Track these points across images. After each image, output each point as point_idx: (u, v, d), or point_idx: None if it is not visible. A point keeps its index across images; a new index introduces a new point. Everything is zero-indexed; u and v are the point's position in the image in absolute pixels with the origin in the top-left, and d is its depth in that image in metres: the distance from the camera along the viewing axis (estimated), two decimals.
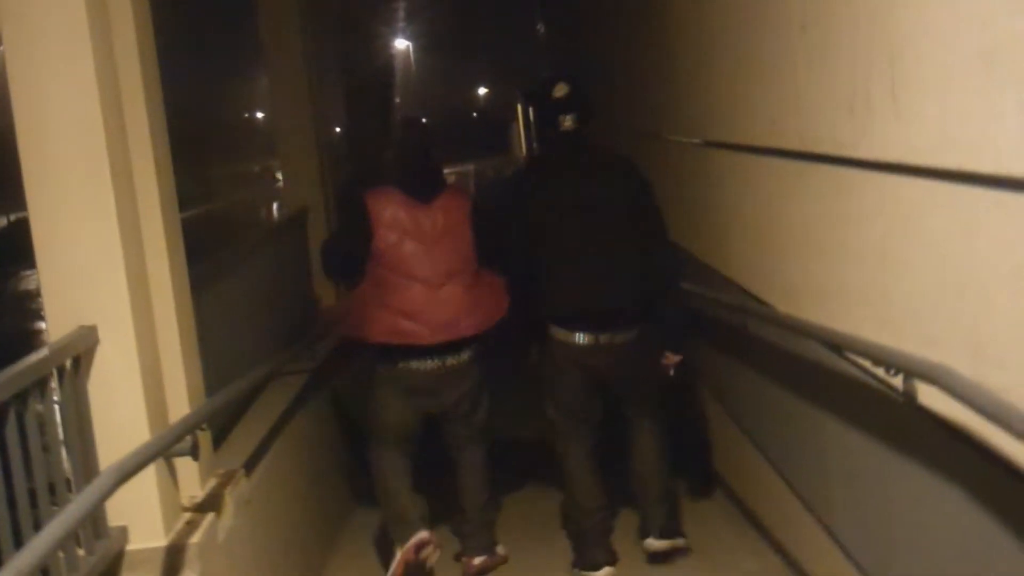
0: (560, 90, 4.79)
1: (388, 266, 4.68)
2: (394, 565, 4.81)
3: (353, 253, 4.77)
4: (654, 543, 4.94)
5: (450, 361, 4.77)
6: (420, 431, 4.98)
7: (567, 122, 4.75)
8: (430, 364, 4.75)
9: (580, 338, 4.73)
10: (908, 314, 3.07)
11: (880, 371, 3.15)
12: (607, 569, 4.88)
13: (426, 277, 4.68)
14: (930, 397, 2.87)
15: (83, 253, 3.34)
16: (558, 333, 4.76)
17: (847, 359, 3.57)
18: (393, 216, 4.69)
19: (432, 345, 4.68)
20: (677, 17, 5.85)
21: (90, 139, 3.32)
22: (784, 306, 4.20)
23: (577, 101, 4.80)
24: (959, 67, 2.58)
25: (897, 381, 3.07)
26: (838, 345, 3.57)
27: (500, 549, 5.16)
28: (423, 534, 4.78)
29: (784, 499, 4.56)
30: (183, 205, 4.08)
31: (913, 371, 2.91)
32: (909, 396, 3.03)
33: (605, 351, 4.74)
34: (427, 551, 4.78)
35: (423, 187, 4.78)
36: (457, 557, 5.14)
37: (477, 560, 5.05)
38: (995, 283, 2.55)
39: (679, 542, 4.96)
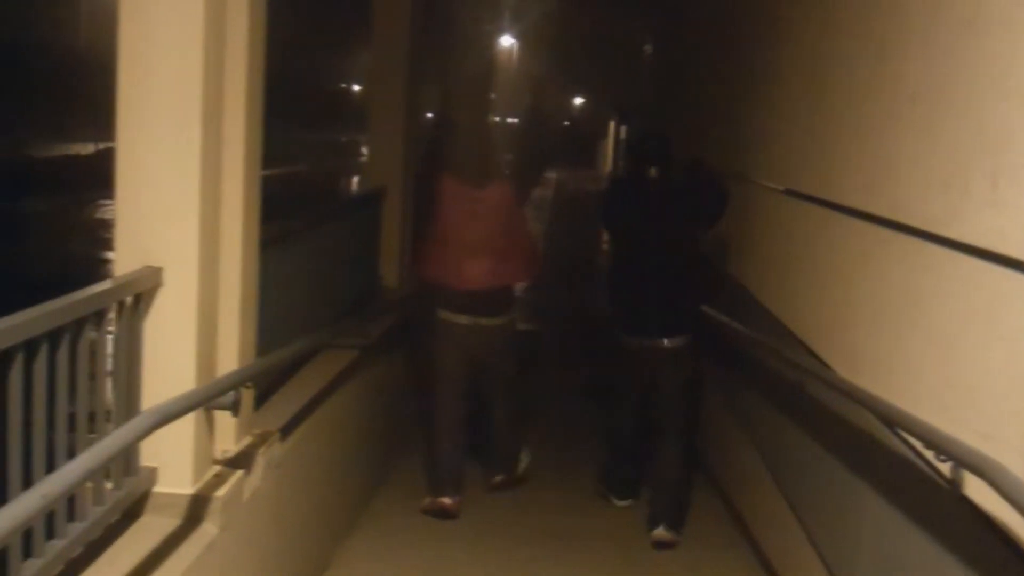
0: (647, 143, 6.18)
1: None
2: (424, 503, 6.06)
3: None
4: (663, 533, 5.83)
5: (483, 322, 5.97)
6: (468, 379, 6.13)
7: (652, 172, 5.94)
8: (464, 320, 5.98)
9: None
10: (968, 403, 3.02)
11: (930, 454, 3.09)
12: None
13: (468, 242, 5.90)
14: (977, 490, 2.81)
15: (161, 195, 3.36)
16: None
17: (898, 436, 3.51)
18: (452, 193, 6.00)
19: (469, 304, 5.92)
20: (785, 62, 5.79)
21: (187, 84, 3.34)
22: (845, 371, 4.13)
23: (662, 154, 5.97)
24: None
25: (946, 468, 3.01)
26: (890, 420, 3.51)
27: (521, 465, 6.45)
28: (446, 500, 5.99)
29: (812, 567, 4.49)
30: (266, 163, 4.11)
31: (963, 460, 2.84)
32: (955, 485, 2.97)
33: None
34: (446, 512, 5.94)
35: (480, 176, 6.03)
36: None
37: (498, 478, 6.37)
38: None
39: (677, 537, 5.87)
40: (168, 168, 3.36)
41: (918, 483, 3.30)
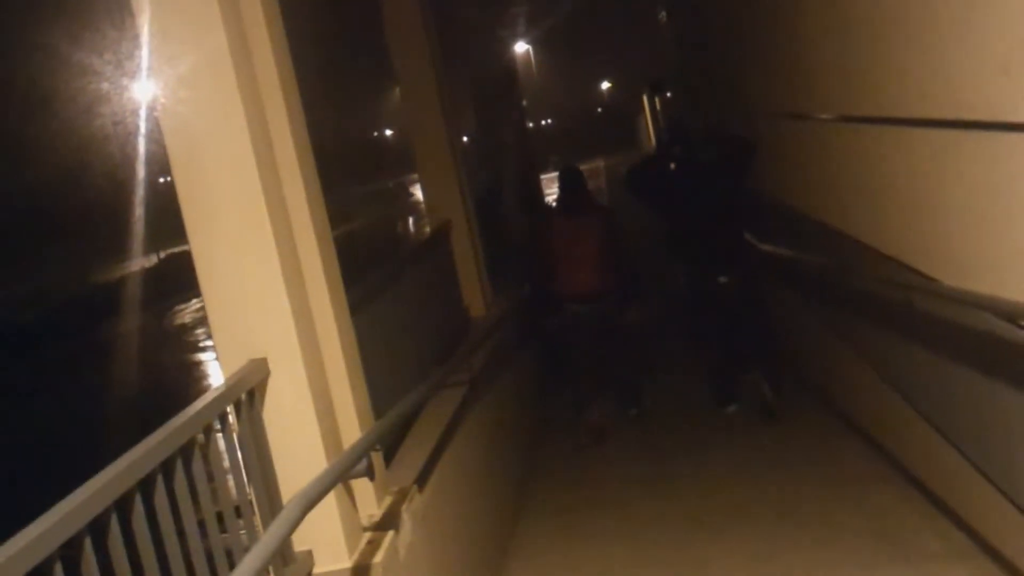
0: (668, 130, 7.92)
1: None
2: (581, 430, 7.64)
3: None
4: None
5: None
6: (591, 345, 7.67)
7: (676, 150, 7.39)
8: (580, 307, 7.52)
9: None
10: None
11: None
12: None
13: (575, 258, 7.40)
14: None
15: (247, 287, 3.41)
16: None
17: (1021, 327, 3.44)
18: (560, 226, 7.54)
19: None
20: None
21: (244, 175, 3.39)
22: (951, 279, 4.06)
23: (680, 134, 7.74)
24: None
25: None
26: (1012, 314, 3.44)
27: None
28: (591, 417, 7.70)
29: (968, 478, 4.42)
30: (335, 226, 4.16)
31: None
32: None
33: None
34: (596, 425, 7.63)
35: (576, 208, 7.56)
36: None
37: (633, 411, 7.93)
38: None
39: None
40: (247, 261, 3.41)
41: None
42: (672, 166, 7.36)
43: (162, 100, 3.39)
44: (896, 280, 4.70)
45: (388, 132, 54.30)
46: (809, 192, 6.57)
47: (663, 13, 16.02)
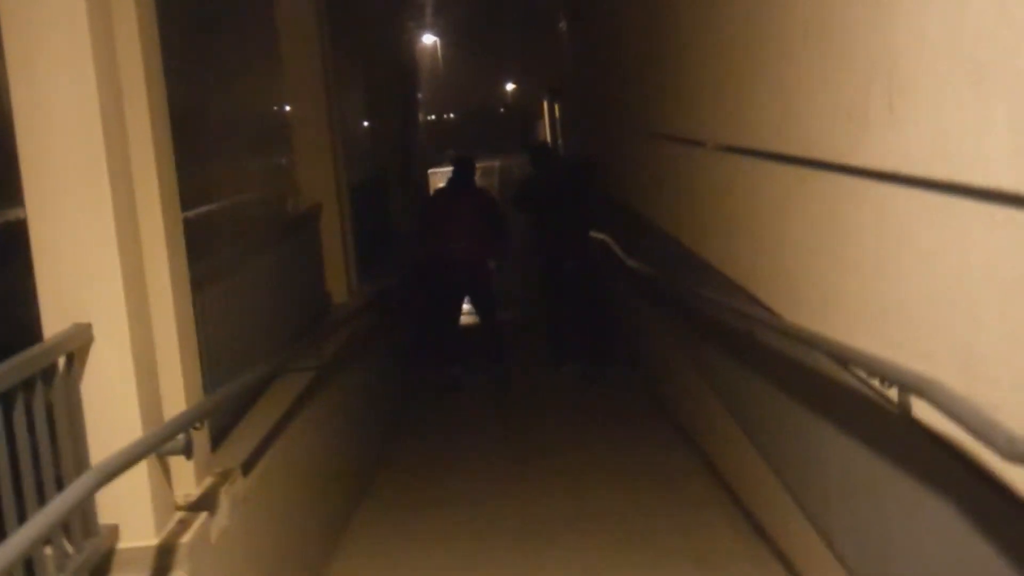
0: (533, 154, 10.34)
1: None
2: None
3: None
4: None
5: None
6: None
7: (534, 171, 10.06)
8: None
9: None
10: (903, 326, 3.04)
11: (876, 383, 3.12)
12: None
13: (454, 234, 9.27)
14: (924, 411, 2.83)
15: (79, 251, 3.32)
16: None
17: (847, 369, 3.54)
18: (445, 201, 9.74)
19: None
20: (689, 19, 5.81)
21: (88, 137, 3.30)
22: (790, 315, 4.16)
23: (543, 157, 10.34)
24: (953, 80, 2.55)
25: (893, 393, 3.04)
26: (836, 354, 3.53)
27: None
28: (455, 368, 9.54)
29: (785, 507, 4.53)
30: (195, 202, 4.07)
31: (907, 384, 2.87)
32: (904, 409, 3.00)
33: None
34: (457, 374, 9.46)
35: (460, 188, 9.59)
36: None
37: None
38: (985, 298, 2.52)
39: None
40: (82, 224, 3.32)
41: (871, 412, 3.33)
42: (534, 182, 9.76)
43: (8, 45, 3.29)
44: (740, 310, 4.79)
45: (288, 108, 53.50)
46: (675, 214, 6.68)
47: (563, 22, 16.12)
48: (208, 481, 3.89)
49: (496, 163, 35.55)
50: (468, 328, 10.18)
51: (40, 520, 2.43)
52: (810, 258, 3.85)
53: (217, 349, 4.50)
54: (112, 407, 3.36)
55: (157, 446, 3.26)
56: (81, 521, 3.17)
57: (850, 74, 3.21)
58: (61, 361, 3.20)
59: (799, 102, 3.77)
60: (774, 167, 4.17)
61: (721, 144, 5.12)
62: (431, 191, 15.13)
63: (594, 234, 9.67)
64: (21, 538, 2.32)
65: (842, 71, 3.30)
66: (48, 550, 2.98)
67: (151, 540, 3.40)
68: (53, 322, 3.33)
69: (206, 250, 4.82)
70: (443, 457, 7.43)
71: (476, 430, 8.17)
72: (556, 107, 28.89)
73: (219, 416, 4.37)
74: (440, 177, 16.61)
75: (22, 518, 2.83)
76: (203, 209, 5.58)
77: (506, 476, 6.81)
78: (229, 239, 5.98)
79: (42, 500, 2.96)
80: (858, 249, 3.31)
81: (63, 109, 3.30)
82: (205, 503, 3.73)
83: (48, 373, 3.11)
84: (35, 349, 3.09)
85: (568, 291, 9.48)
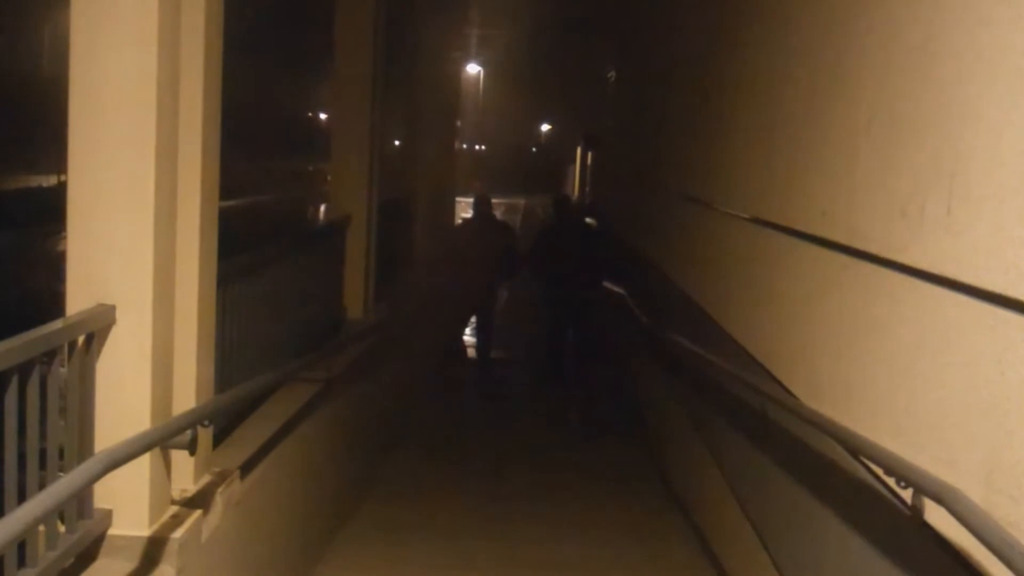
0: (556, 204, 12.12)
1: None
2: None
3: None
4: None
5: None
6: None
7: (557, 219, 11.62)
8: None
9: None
10: (928, 429, 3.01)
11: (891, 481, 3.08)
12: None
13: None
14: (937, 517, 2.80)
15: (114, 232, 3.32)
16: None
17: (861, 462, 3.50)
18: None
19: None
20: (743, 88, 5.81)
21: (141, 118, 3.30)
22: (807, 398, 4.12)
23: (565, 208, 11.92)
24: (1016, 191, 2.53)
25: (907, 495, 3.01)
26: (853, 447, 3.50)
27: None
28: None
29: None
30: (231, 194, 4.07)
31: (924, 488, 2.83)
32: (916, 512, 2.96)
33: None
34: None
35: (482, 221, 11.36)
36: None
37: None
38: (1019, 413, 2.49)
39: None
40: (121, 203, 3.32)
41: (880, 510, 3.29)
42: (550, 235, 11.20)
43: (76, 23, 3.30)
44: (755, 386, 4.76)
45: (324, 116, 53.83)
46: (702, 282, 6.65)
47: (612, 72, 16.18)
48: (205, 479, 3.87)
49: (522, 201, 35.69)
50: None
51: (44, 499, 2.41)
52: (839, 346, 3.82)
53: (231, 349, 4.48)
54: (124, 392, 3.35)
55: (165, 439, 3.24)
56: (76, 502, 3.15)
57: (910, 171, 3.20)
58: (80, 339, 3.19)
59: (850, 191, 3.75)
60: (814, 250, 4.15)
61: (761, 219, 5.10)
62: (458, 219, 16.13)
63: (610, 286, 10.49)
64: (24, 513, 2.30)
65: (902, 165, 3.28)
66: (40, 526, 2.95)
67: (143, 531, 3.38)
68: (78, 299, 3.32)
69: (232, 247, 4.82)
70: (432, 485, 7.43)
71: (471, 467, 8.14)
72: (590, 155, 28.95)
73: (222, 416, 4.35)
74: (464, 206, 17.06)
75: (21, 491, 2.81)
76: (240, 202, 5.58)
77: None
78: (262, 238, 5.96)
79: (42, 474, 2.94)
80: (893, 345, 3.28)
81: (120, 88, 3.30)
82: (200, 501, 3.71)
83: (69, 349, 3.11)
84: (57, 323, 3.08)
85: (572, 321, 10.96)
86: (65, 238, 3.37)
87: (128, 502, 3.38)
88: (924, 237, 3.05)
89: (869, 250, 3.52)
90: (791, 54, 4.78)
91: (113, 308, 3.31)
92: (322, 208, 31.82)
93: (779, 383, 4.54)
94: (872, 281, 3.50)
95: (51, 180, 26.51)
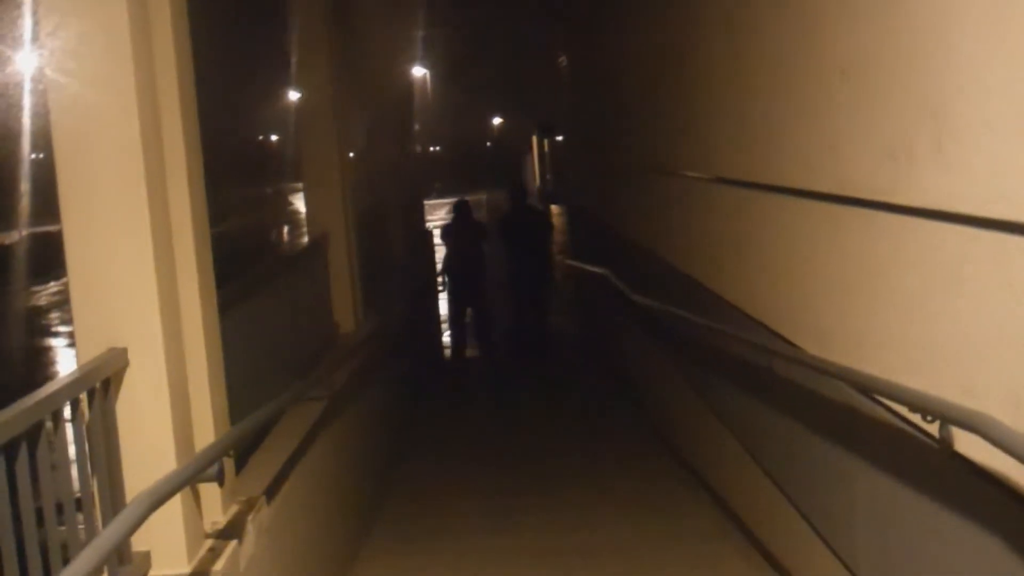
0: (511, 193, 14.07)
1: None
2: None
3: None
4: None
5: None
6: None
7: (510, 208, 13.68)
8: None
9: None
10: (946, 362, 3.05)
11: (916, 417, 3.11)
12: None
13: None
14: (968, 445, 2.84)
15: (116, 274, 3.32)
16: None
17: (879, 403, 3.54)
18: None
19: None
20: (709, 54, 5.85)
21: (128, 159, 3.30)
22: (814, 348, 4.17)
23: (519, 196, 13.99)
24: (1008, 117, 2.57)
25: (933, 428, 3.04)
26: (872, 389, 3.54)
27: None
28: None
29: (809, 544, 4.52)
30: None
31: (952, 418, 2.87)
32: (945, 444, 2.99)
33: None
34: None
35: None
36: None
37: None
38: None
39: None
40: (119, 247, 3.32)
41: (907, 448, 3.34)
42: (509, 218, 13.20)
43: (51, 73, 3.29)
44: (759, 344, 4.80)
45: (274, 137, 53.57)
46: (688, 249, 6.69)
47: (563, 58, 16.21)
48: (234, 509, 3.87)
49: (483, 197, 35.73)
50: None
51: (96, 548, 2.41)
52: (842, 296, 3.86)
53: (233, 377, 4.48)
54: (146, 431, 3.35)
55: (196, 473, 3.25)
56: (116, 548, 3.15)
57: (894, 113, 3.24)
58: (98, 385, 3.19)
59: (833, 140, 3.79)
60: (802, 204, 4.20)
61: (743, 180, 5.14)
62: (436, 223, 17.49)
63: (592, 267, 11.07)
64: (79, 567, 2.30)
65: (884, 110, 3.32)
66: None
67: (183, 568, 3.38)
68: (88, 347, 3.31)
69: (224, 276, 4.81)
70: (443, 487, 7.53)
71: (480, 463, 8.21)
72: (546, 143, 28.97)
73: (239, 445, 4.35)
74: (431, 208, 17.21)
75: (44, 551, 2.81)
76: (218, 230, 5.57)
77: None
78: (236, 266, 5.97)
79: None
80: (898, 286, 3.33)
81: (103, 128, 3.30)
82: (232, 531, 3.71)
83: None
84: (75, 372, 3.08)
85: (529, 292, 13.05)
86: (33, 294, 3.35)
87: (164, 541, 3.38)
88: (918, 176, 3.10)
89: (860, 195, 3.56)
90: (755, 4, 4.83)
91: (125, 350, 3.31)
92: (285, 230, 31.90)
93: (782, 337, 4.59)
94: (868, 226, 3.55)
95: (12, 237, 26.31)
